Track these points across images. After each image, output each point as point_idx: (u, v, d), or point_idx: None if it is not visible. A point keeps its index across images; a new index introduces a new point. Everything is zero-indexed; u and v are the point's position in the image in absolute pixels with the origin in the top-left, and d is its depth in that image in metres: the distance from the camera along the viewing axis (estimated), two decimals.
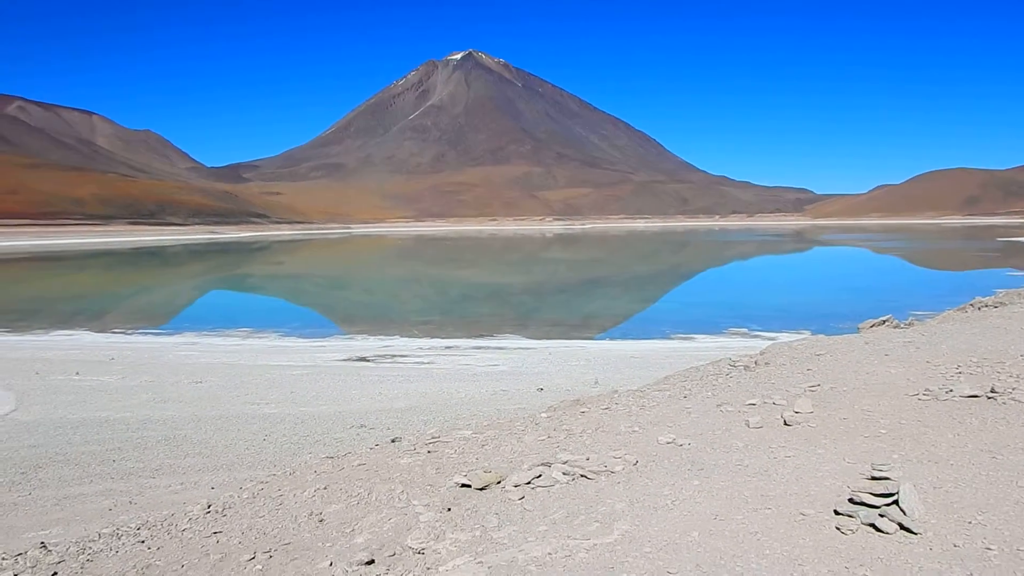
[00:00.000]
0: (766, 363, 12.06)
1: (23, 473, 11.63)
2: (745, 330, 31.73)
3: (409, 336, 31.61)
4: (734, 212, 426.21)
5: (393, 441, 10.01)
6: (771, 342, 16.90)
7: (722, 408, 9.01)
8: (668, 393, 10.93)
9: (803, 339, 14.45)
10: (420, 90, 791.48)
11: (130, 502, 10.19)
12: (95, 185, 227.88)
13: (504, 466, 7.39)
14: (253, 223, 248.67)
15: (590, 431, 8.75)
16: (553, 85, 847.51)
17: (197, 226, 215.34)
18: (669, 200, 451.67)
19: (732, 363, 12.87)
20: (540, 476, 6.74)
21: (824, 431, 7.58)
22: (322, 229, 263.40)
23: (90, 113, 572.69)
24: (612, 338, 31.19)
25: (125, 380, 20.60)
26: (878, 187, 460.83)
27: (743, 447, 7.29)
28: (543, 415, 10.49)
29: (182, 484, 10.99)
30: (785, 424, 7.92)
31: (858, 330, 16.37)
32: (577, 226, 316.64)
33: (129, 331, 33.90)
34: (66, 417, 15.77)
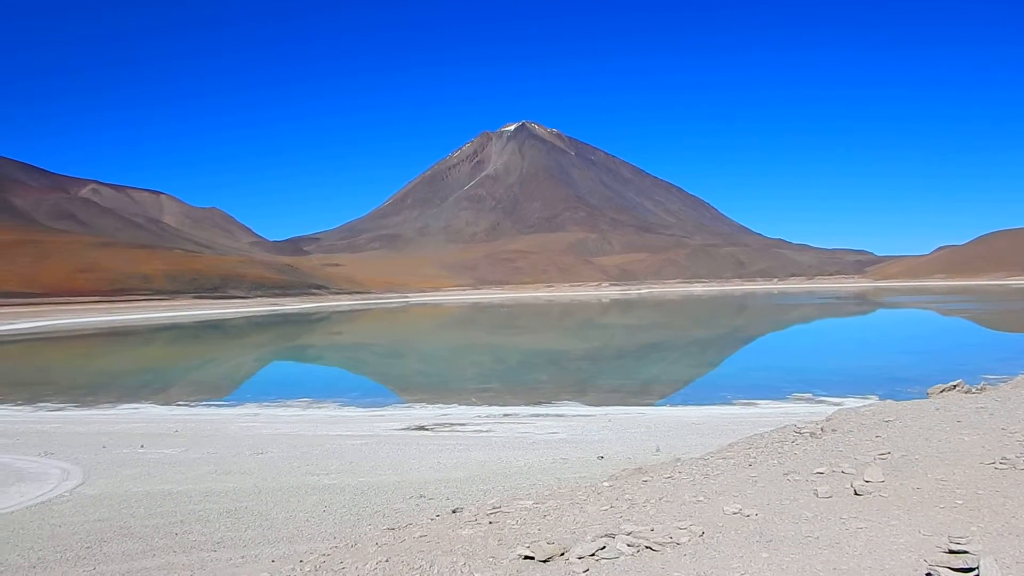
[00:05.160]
0: (833, 430, 11.77)
1: (88, 548, 11.75)
2: (809, 395, 31.12)
3: (467, 404, 31.62)
4: (792, 275, 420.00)
5: (454, 512, 9.95)
6: (837, 408, 16.52)
7: (789, 477, 8.79)
8: (732, 461, 10.71)
9: (870, 405, 14.09)
10: (475, 161, 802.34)
11: None
12: (162, 262, 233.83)
13: (567, 537, 7.27)
14: (313, 294, 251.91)
15: (654, 501, 8.58)
16: (605, 153, 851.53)
17: (259, 299, 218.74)
18: (725, 263, 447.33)
19: (797, 430, 12.59)
20: (604, 548, 6.61)
21: (897, 501, 7.33)
22: (380, 299, 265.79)
23: (158, 193, 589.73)
24: (672, 404, 30.84)
25: (188, 452, 20.88)
26: (941, 248, 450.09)
27: (812, 518, 7.09)
28: (605, 484, 10.34)
29: (243, 557, 10.98)
30: (856, 494, 7.68)
31: (927, 395, 15.93)
32: (634, 291, 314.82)
33: (193, 403, 34.51)
34: (131, 490, 15.99)
